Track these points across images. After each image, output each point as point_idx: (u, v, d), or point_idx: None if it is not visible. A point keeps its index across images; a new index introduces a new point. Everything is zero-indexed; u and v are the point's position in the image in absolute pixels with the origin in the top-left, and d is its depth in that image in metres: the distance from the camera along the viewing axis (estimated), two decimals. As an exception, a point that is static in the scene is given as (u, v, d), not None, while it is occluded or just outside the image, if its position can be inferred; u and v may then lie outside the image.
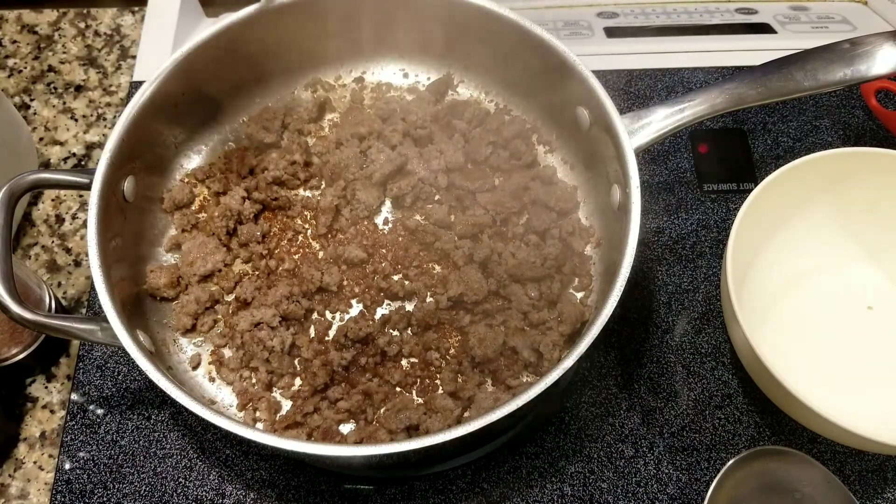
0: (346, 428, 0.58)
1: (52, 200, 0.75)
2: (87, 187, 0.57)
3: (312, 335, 0.62)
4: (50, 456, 0.63)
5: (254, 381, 0.60)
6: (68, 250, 0.72)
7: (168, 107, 0.63)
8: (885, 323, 0.65)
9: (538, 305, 0.61)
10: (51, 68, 0.82)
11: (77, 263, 0.72)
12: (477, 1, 0.64)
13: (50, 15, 0.86)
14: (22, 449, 0.64)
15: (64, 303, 0.69)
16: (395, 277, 0.64)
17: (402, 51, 0.72)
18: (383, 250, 0.65)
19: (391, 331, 0.62)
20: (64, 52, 0.83)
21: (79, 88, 0.81)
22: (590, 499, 0.60)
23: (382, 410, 0.58)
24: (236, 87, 0.69)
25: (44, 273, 0.71)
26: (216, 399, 0.60)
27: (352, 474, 0.61)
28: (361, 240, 0.65)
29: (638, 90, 0.78)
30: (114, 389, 0.64)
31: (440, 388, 0.59)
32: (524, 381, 0.59)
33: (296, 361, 0.60)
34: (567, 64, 0.61)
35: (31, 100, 0.80)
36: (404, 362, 0.60)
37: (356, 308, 0.63)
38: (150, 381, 0.51)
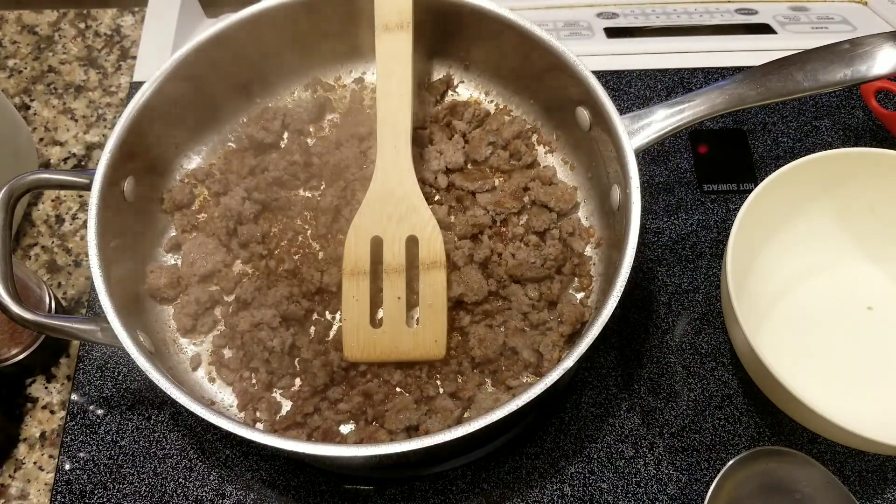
0: (346, 428, 0.58)
1: (52, 201, 0.75)
2: (87, 187, 0.57)
3: (312, 336, 0.62)
4: (50, 456, 0.63)
5: (254, 381, 0.60)
6: (68, 250, 0.72)
7: (168, 107, 0.63)
8: (885, 323, 0.65)
9: (538, 306, 0.61)
10: (51, 69, 0.82)
11: (77, 264, 0.72)
12: (477, 1, 0.64)
13: (50, 15, 0.86)
14: (22, 449, 0.64)
15: (64, 303, 0.69)
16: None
17: (402, 51, 0.72)
18: (383, 251, 0.65)
19: (391, 331, 0.61)
20: (64, 53, 0.83)
21: (79, 89, 0.81)
22: (590, 499, 0.60)
23: (382, 410, 0.58)
24: (236, 87, 0.69)
25: (44, 273, 0.71)
26: (216, 399, 0.60)
27: (352, 474, 0.61)
28: (361, 240, 0.65)
29: (638, 90, 0.78)
30: (114, 390, 0.64)
31: (440, 388, 0.59)
32: (524, 381, 0.59)
33: (296, 362, 0.60)
34: (567, 64, 0.61)
35: (31, 100, 0.80)
36: (404, 363, 0.60)
37: (356, 308, 0.63)
38: (150, 382, 0.51)
